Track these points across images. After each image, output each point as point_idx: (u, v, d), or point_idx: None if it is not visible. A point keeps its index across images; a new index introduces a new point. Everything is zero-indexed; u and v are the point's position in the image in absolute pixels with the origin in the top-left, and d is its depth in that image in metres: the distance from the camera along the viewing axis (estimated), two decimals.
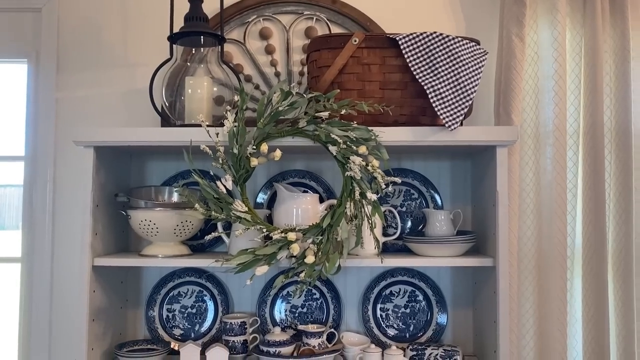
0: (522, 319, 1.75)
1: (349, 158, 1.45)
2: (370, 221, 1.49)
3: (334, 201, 1.61)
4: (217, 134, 1.47)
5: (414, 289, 1.80)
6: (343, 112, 1.45)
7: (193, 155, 1.47)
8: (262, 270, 1.44)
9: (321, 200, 1.70)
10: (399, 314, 1.80)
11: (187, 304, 1.82)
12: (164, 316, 1.82)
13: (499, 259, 1.51)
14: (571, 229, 1.76)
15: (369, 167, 1.45)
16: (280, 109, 1.47)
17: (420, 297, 1.80)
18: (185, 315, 1.82)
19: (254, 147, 1.46)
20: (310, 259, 1.43)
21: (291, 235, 1.44)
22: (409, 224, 1.82)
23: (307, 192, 1.79)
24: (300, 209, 1.59)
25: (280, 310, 1.81)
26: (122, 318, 1.79)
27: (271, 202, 1.81)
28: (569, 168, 1.76)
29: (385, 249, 1.73)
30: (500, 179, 1.52)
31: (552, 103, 1.75)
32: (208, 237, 1.47)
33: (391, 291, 1.80)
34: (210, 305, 1.82)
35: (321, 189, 1.82)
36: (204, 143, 1.47)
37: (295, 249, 1.43)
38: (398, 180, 1.46)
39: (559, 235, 1.72)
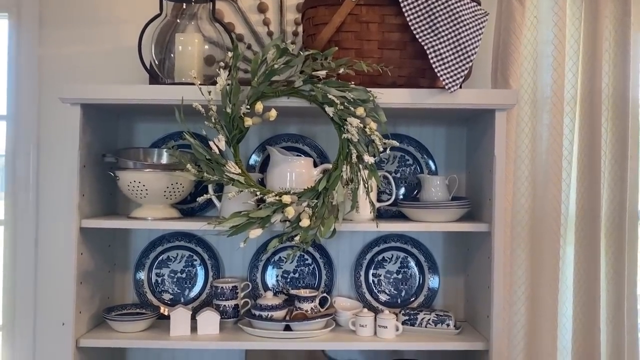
0: (514, 286, 1.75)
1: (345, 120, 1.42)
2: (366, 185, 1.46)
3: (329, 165, 1.58)
4: (210, 92, 1.42)
5: (406, 255, 1.79)
6: (341, 71, 1.41)
7: (184, 116, 1.42)
8: (256, 233, 1.41)
9: (315, 165, 1.67)
10: (391, 280, 1.79)
11: (177, 269, 1.79)
12: (153, 280, 1.78)
13: (494, 224, 1.50)
14: (565, 196, 1.75)
15: (367, 130, 1.41)
16: (276, 66, 1.42)
17: (412, 264, 1.79)
18: (175, 280, 1.78)
19: (248, 106, 1.42)
20: (305, 222, 1.40)
21: (286, 198, 1.40)
22: (403, 190, 1.79)
23: (300, 156, 1.75)
24: (294, 172, 1.55)
25: (271, 275, 1.79)
26: (110, 282, 1.75)
27: (263, 166, 1.77)
28: (565, 135, 1.74)
29: (379, 215, 1.70)
30: (498, 144, 1.50)
31: (550, 69, 1.73)
32: (200, 199, 1.43)
33: (384, 257, 1.79)
34: (201, 270, 1.79)
35: (315, 154, 1.78)
36: (195, 102, 1.42)
37: (290, 212, 1.40)
38: (396, 143, 1.43)
39: (554, 202, 1.71)
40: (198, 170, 1.43)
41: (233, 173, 1.43)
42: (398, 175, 1.79)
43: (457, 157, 1.81)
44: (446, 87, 1.43)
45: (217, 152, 1.42)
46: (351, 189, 1.45)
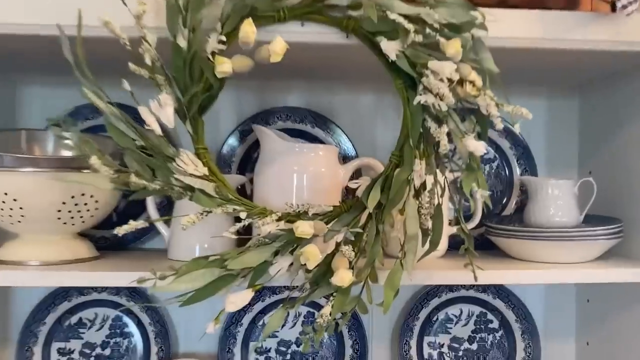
0: None
1: (425, 67, 0.69)
2: (457, 198, 0.74)
3: (370, 160, 0.87)
4: (144, 4, 0.67)
5: (484, 311, 1.08)
6: None
7: (105, 74, 0.67)
8: (238, 301, 0.68)
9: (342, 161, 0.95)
10: (461, 353, 1.07)
11: (96, 341, 1.03)
12: None
13: None
14: None
15: (469, 89, 0.69)
16: None
17: (495, 324, 1.08)
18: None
19: (223, 36, 0.68)
20: (343, 276, 0.67)
21: (303, 228, 0.67)
22: None
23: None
24: (308, 173, 0.83)
25: (260, 348, 1.06)
26: None
27: (245, 161, 1.04)
28: None
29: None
30: None
31: None
32: (120, 230, 0.67)
33: (447, 315, 1.08)
34: (137, 341, 1.04)
35: (332, 142, 1.05)
36: (112, 28, 0.67)
37: (313, 256, 0.67)
38: (528, 114, 0.70)
39: None
40: (118, 169, 0.68)
41: (192, 175, 0.69)
42: None
43: (564, 147, 1.11)
44: (618, 4, 0.73)
45: (159, 131, 0.67)
46: (428, 207, 0.73)
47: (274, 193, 0.84)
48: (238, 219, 0.71)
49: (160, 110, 0.65)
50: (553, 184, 0.91)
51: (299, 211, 0.73)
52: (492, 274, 0.80)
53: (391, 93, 1.04)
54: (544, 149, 1.10)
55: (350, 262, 0.69)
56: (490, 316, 1.08)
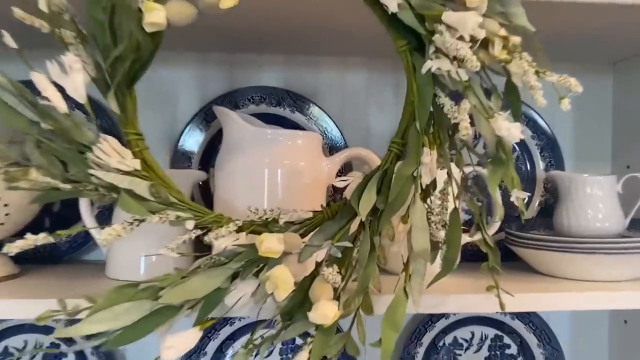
0: None
1: (438, 21, 0.50)
2: (479, 200, 0.56)
3: (363, 151, 0.68)
4: None
5: (499, 334, 0.90)
6: None
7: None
8: (181, 344, 0.49)
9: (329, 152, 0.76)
10: None
11: None
12: None
13: None
14: None
15: (497, 51, 0.50)
16: None
17: (513, 349, 0.90)
18: None
19: None
20: (325, 310, 0.49)
21: (269, 243, 0.48)
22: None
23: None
24: (283, 167, 0.64)
25: None
26: None
27: (210, 153, 0.85)
28: None
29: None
30: None
31: None
32: (11, 250, 0.48)
33: (456, 339, 0.89)
34: None
35: (317, 130, 0.86)
36: None
37: (283, 281, 0.48)
38: (577, 86, 0.52)
39: None
40: (11, 163, 0.49)
41: (117, 170, 0.50)
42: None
43: (596, 136, 0.93)
44: None
45: (64, 108, 0.48)
46: (439, 211, 0.54)
47: (239, 193, 0.65)
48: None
49: (64, 78, 0.46)
50: (591, 180, 0.73)
51: (266, 219, 0.54)
52: (523, 299, 0.61)
53: (389, 67, 0.85)
54: (571, 138, 0.92)
55: (335, 289, 0.51)
56: (507, 340, 0.90)
